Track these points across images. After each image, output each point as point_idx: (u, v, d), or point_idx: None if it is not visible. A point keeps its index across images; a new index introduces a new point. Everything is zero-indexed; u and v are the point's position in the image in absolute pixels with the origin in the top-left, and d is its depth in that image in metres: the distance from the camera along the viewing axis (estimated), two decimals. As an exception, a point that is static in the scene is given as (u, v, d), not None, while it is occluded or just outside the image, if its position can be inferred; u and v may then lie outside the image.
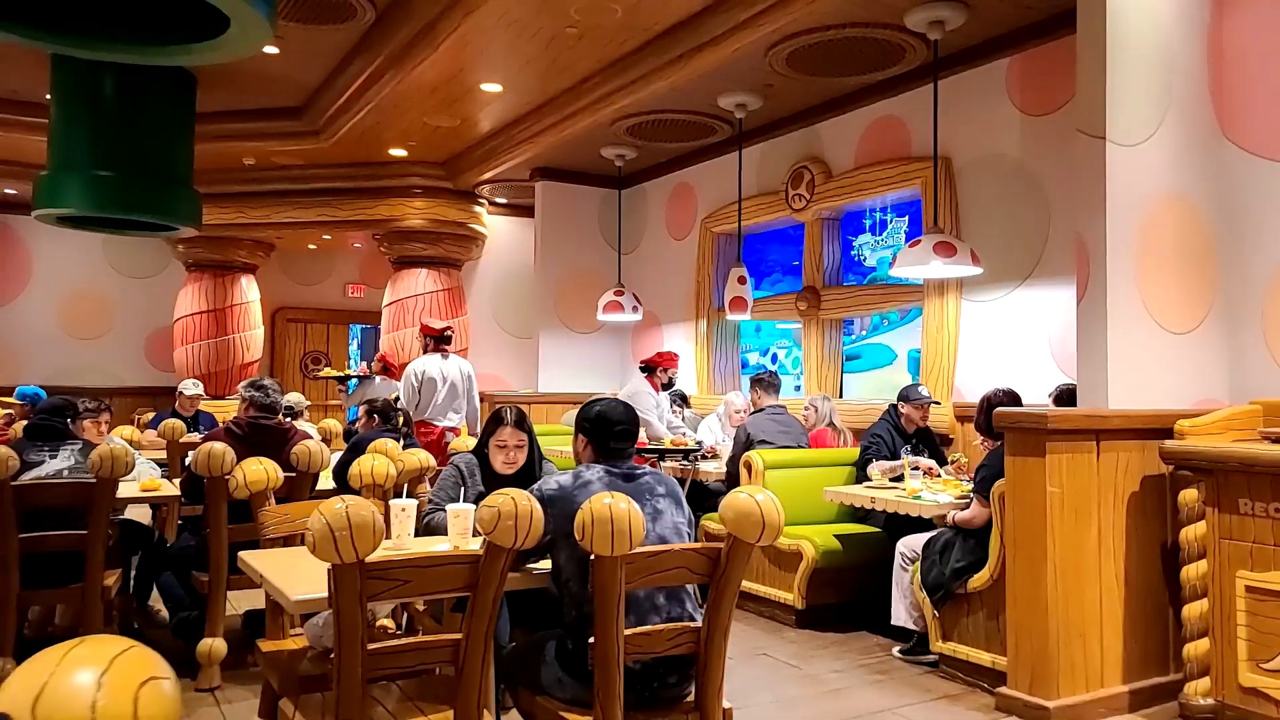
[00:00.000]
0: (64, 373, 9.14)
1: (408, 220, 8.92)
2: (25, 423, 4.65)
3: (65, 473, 3.53)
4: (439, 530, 2.85)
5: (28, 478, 3.43)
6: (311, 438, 3.81)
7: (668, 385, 6.44)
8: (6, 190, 9.18)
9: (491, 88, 6.52)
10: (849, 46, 5.43)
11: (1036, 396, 4.58)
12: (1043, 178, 5.12)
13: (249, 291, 9.79)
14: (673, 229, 8.26)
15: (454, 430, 6.37)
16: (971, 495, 3.75)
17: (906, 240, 5.88)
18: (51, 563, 3.37)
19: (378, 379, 7.37)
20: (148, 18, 4.47)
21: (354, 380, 7.81)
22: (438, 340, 6.48)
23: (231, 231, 9.13)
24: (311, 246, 10.57)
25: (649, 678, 2.32)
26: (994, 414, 3.54)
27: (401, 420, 4.69)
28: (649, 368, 6.38)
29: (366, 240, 9.89)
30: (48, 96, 5.98)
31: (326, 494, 3.50)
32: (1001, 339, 5.32)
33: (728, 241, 7.56)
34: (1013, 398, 4.02)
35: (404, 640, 2.24)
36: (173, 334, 9.59)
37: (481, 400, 7.27)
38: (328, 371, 8.52)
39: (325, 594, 2.04)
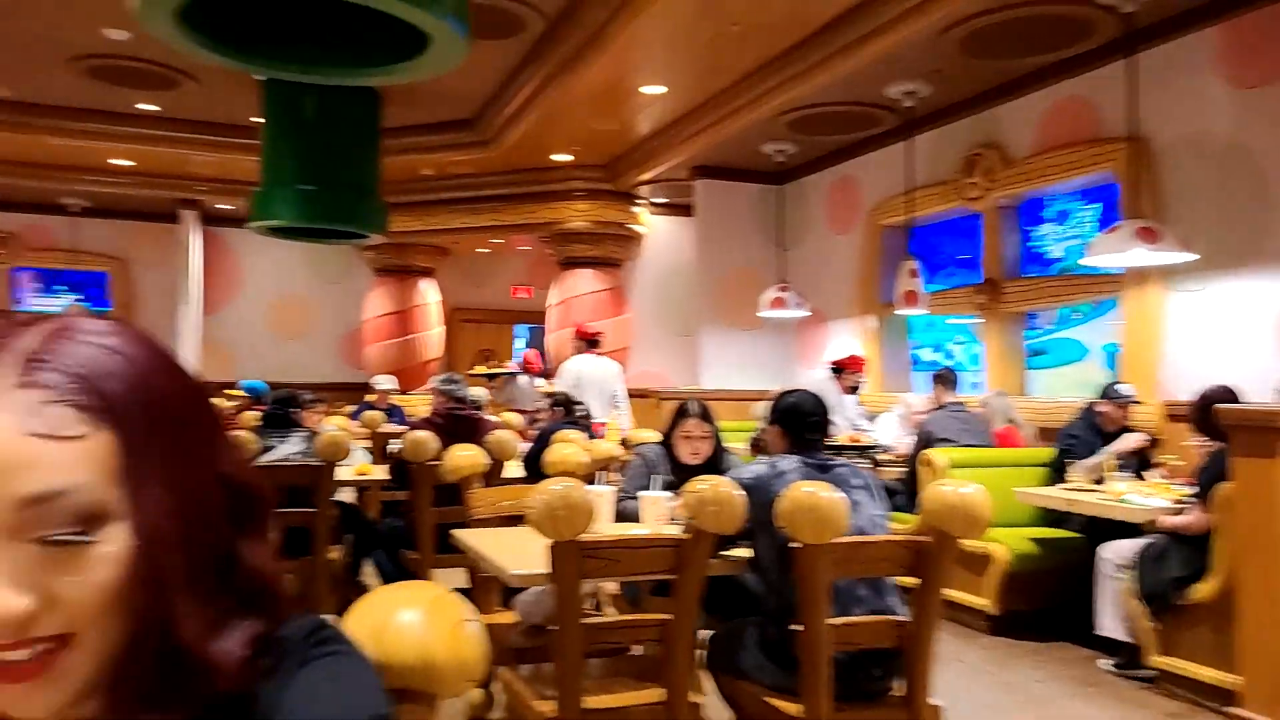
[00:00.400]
0: (272, 370, 9.99)
1: (570, 222, 9.19)
2: (252, 411, 5.18)
3: (296, 456, 3.91)
4: (630, 517, 2.93)
5: (263, 460, 3.82)
6: (502, 428, 4.04)
7: (853, 389, 6.35)
8: (219, 205, 10.25)
9: (654, 89, 6.62)
10: (1030, 25, 5.14)
11: (1258, 393, 4.15)
12: (1260, 154, 4.65)
13: (429, 293, 10.43)
14: (835, 223, 8.09)
15: (603, 424, 6.59)
16: (1192, 500, 3.45)
17: (1101, 227, 5.48)
18: (282, 538, 3.73)
19: (521, 378, 7.76)
20: (347, 40, 4.84)
21: (510, 374, 8.28)
22: (589, 343, 6.87)
23: (412, 238, 9.75)
24: (483, 250, 11.14)
25: (854, 669, 2.29)
26: (1217, 411, 3.23)
27: (582, 414, 4.88)
28: (838, 369, 6.34)
29: (534, 243, 10.31)
30: (255, 119, 6.59)
31: (517, 480, 3.69)
32: (1214, 331, 4.87)
33: (894, 234, 7.31)
34: (1231, 395, 3.68)
35: (617, 617, 2.33)
36: (362, 334, 10.38)
37: (645, 397, 7.41)
38: (479, 369, 9.04)
39: (538, 570, 2.15)
